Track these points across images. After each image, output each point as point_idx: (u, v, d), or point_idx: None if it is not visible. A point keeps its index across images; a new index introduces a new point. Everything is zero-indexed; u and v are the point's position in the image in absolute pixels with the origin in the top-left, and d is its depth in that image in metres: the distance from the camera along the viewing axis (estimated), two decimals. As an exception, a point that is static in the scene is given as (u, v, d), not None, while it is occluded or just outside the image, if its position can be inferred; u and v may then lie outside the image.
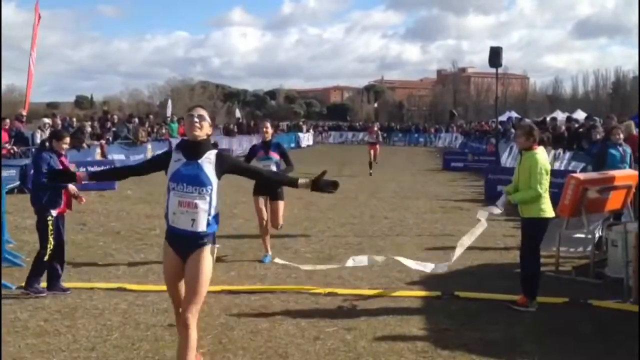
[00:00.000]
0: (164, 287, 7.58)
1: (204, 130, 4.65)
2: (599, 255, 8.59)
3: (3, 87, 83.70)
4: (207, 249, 4.62)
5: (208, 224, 4.58)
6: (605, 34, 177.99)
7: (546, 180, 6.85)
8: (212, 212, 4.61)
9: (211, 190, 4.57)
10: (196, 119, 4.63)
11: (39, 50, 16.39)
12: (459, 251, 7.58)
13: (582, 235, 8.73)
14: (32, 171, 7.91)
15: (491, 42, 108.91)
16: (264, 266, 8.82)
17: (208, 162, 4.59)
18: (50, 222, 7.25)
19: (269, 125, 9.41)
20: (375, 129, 26.95)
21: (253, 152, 9.35)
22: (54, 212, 7.29)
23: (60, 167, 7.27)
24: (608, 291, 7.58)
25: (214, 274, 8.21)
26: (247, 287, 7.70)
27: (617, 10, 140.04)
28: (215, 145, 4.89)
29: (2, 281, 7.34)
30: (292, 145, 45.64)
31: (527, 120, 25.62)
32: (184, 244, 4.62)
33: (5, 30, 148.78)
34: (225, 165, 4.69)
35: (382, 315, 6.71)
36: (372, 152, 24.48)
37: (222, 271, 8.48)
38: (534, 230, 6.96)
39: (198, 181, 4.52)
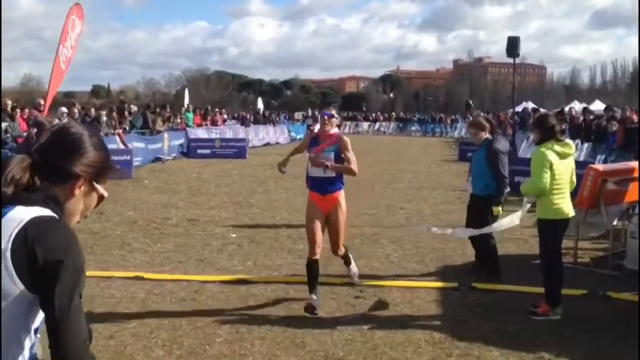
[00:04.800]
0: (182, 276, 7.68)
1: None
2: (617, 247, 8.53)
3: (21, 76, 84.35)
4: None
5: None
6: (623, 24, 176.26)
7: (549, 177, 6.19)
8: None
9: None
10: None
11: (56, 41, 16.39)
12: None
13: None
14: None
15: (508, 33, 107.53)
16: (281, 256, 8.83)
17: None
18: None
19: None
20: (331, 125, 6.69)
21: None
22: None
23: None
24: (626, 283, 7.52)
25: (229, 264, 8.28)
26: (264, 278, 7.71)
27: (634, 0, 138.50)
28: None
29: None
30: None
31: (543, 110, 25.39)
32: None
33: (25, 21, 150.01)
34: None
35: (399, 306, 6.71)
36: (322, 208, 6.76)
37: (239, 261, 8.50)
38: (547, 233, 6.45)
39: None
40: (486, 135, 7.97)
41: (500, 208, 7.62)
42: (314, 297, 6.51)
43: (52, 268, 1.80)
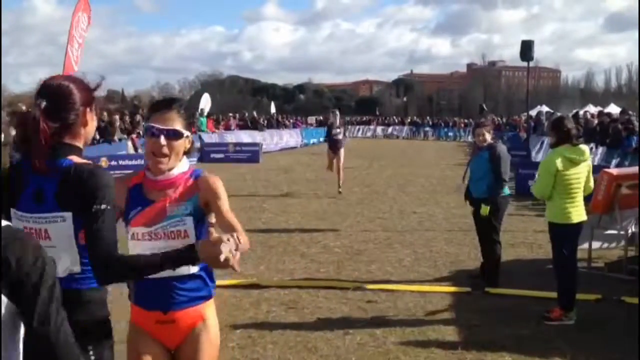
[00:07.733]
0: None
1: None
2: (632, 251, 8.46)
3: (37, 81, 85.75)
4: None
5: None
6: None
7: (552, 184, 6.20)
8: None
9: None
10: None
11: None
12: None
13: (615, 232, 8.59)
14: None
15: (522, 36, 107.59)
16: (293, 260, 8.83)
17: None
18: None
19: None
20: (175, 153, 2.91)
21: None
22: None
23: None
24: (641, 288, 7.46)
25: (243, 267, 8.28)
26: (276, 282, 7.72)
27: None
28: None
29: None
30: (322, 139, 45.53)
31: (558, 114, 25.27)
32: None
33: (44, 26, 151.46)
34: None
35: (411, 311, 6.69)
36: None
37: (252, 265, 8.51)
38: (556, 236, 6.40)
39: None
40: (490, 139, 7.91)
41: (488, 208, 7.53)
42: None
43: (28, 280, 1.72)
